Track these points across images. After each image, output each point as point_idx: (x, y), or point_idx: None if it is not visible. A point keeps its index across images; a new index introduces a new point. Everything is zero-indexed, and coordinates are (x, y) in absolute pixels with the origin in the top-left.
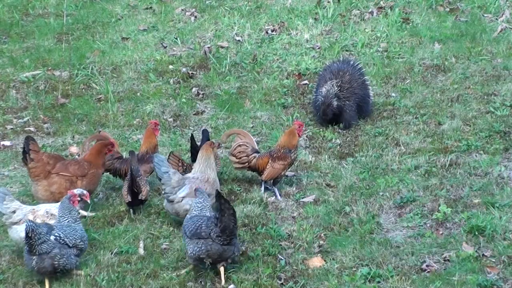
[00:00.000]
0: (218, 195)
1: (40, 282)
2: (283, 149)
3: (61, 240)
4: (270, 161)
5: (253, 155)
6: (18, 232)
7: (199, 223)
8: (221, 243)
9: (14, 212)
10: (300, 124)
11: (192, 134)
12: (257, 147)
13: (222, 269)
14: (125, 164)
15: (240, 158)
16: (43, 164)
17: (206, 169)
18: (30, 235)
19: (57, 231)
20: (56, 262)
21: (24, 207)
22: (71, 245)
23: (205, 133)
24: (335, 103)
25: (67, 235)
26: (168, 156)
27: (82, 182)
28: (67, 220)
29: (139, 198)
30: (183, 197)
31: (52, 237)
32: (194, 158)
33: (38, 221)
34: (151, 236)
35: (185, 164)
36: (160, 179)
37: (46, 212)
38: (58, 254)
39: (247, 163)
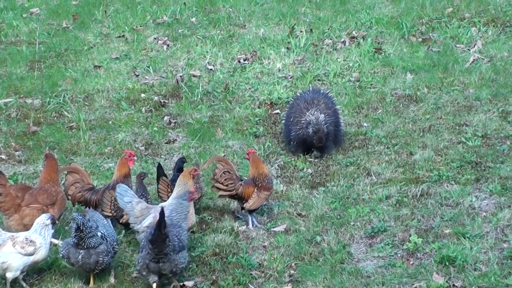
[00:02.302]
0: (161, 213)
1: None
2: (267, 179)
3: (105, 238)
4: (256, 190)
5: (240, 182)
6: None
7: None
8: (152, 259)
9: None
10: (253, 152)
11: (159, 163)
12: (237, 175)
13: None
14: (95, 194)
15: (227, 185)
16: (12, 198)
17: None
18: (81, 228)
19: (101, 228)
20: (101, 259)
21: (3, 233)
22: (110, 245)
23: (178, 162)
24: (325, 130)
25: (109, 234)
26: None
27: (54, 210)
28: (106, 221)
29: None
30: (147, 227)
31: (99, 233)
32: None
33: (18, 248)
34: (122, 264)
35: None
36: (123, 209)
37: (25, 238)
38: (105, 251)
39: (234, 191)
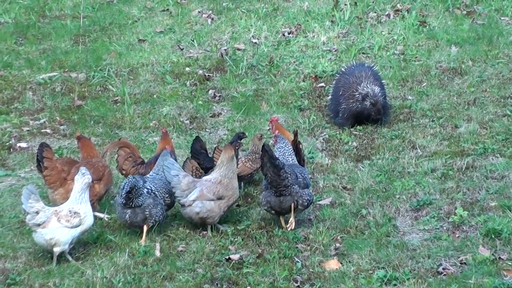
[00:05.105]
0: (266, 146)
1: (55, 285)
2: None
3: (151, 193)
4: None
5: None
6: (43, 236)
7: None
8: (274, 193)
9: (37, 213)
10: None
11: (197, 136)
12: None
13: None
14: (149, 168)
15: None
16: (58, 172)
17: (227, 171)
18: (132, 191)
19: (149, 183)
20: (147, 212)
21: (47, 209)
22: (160, 198)
23: (235, 137)
24: (383, 101)
25: (158, 188)
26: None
27: (100, 185)
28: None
29: None
30: (194, 200)
31: (144, 190)
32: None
33: (63, 222)
34: (167, 238)
35: (200, 173)
36: (169, 183)
37: (69, 211)
38: (151, 204)
39: None
